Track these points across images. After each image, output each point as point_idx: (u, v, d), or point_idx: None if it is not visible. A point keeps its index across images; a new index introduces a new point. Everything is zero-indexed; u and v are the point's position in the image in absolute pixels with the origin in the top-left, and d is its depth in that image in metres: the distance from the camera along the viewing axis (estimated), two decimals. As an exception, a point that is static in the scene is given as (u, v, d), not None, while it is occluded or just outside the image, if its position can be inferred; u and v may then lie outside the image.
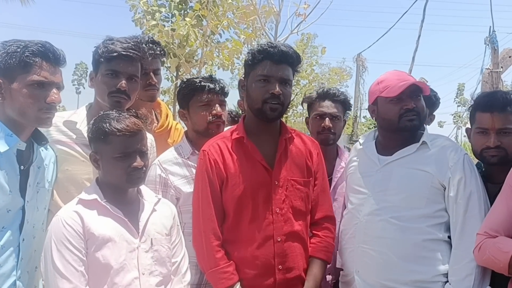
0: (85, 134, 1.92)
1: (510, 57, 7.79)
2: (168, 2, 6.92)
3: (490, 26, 7.47)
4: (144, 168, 1.79)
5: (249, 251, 1.93)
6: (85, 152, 2.01)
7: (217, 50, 6.90)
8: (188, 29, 6.12)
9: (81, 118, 2.12)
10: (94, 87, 2.13)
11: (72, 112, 2.21)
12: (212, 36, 6.76)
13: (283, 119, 2.13)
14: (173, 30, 6.32)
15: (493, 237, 1.77)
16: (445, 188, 1.95)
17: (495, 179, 2.02)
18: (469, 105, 2.16)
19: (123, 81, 2.05)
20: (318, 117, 2.59)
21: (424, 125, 2.15)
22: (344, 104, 2.64)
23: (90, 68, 2.16)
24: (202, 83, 2.27)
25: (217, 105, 2.27)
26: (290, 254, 1.96)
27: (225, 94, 2.35)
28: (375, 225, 2.01)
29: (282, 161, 2.00)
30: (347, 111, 2.75)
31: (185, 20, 6.25)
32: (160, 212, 1.90)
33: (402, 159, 2.04)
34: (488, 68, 7.38)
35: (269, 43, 1.98)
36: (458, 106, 52.55)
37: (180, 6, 6.94)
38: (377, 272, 1.99)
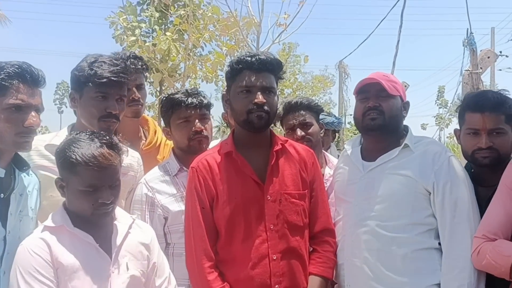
0: None
1: (488, 57, 7.90)
2: (148, 18, 6.90)
3: (468, 28, 7.58)
4: (112, 204, 1.67)
5: (244, 272, 1.84)
6: None
7: (199, 63, 6.88)
8: (169, 43, 6.09)
9: None
10: (76, 109, 2.06)
11: (54, 134, 2.12)
12: (194, 49, 6.74)
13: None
14: (154, 45, 6.29)
15: (491, 240, 1.73)
16: (430, 193, 1.87)
17: (486, 182, 1.97)
18: (457, 106, 2.13)
19: (115, 105, 1.99)
20: (290, 131, 2.56)
21: (408, 126, 2.08)
22: (310, 108, 2.58)
23: (71, 87, 2.09)
24: (179, 99, 2.19)
25: (196, 120, 2.19)
26: (287, 272, 1.86)
27: (207, 107, 2.25)
28: (361, 237, 1.93)
29: (274, 175, 1.91)
30: (322, 114, 2.80)
31: (165, 34, 6.23)
32: (135, 235, 1.79)
33: (384, 165, 1.96)
34: (468, 70, 7.45)
35: (247, 53, 1.92)
36: (439, 108, 53.54)
37: (160, 21, 6.94)
38: (368, 286, 1.90)
